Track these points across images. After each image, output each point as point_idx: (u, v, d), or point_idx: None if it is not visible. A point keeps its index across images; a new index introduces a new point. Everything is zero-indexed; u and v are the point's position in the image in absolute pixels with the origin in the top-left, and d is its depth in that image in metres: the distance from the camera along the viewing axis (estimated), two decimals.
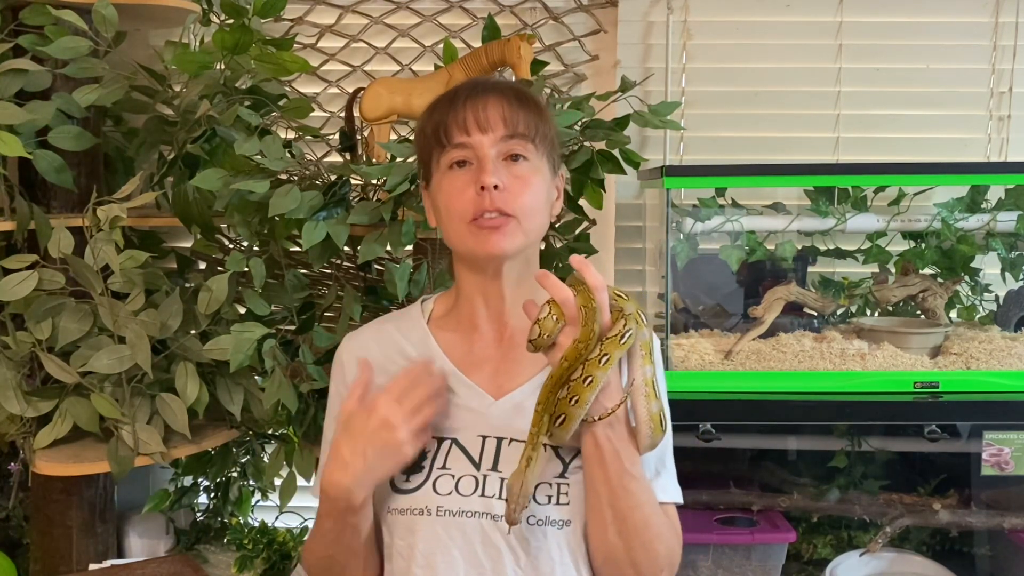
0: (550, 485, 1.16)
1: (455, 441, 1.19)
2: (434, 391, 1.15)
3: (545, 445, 1.11)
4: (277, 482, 1.95)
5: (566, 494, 1.15)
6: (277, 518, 2.16)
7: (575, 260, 1.11)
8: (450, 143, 1.17)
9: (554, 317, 1.08)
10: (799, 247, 1.98)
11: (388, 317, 1.34)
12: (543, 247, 1.81)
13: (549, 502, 1.15)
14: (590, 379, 1.06)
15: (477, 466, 1.17)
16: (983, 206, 1.95)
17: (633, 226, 2.28)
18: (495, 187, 1.13)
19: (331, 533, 1.17)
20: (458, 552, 1.14)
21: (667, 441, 1.26)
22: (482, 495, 1.15)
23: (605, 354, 1.06)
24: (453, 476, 1.16)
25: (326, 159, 2.11)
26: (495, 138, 1.16)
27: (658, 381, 1.16)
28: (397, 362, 1.25)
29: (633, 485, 1.11)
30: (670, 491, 1.23)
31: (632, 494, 1.11)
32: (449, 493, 1.16)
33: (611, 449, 1.10)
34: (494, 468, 1.16)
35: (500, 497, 1.14)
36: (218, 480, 2.10)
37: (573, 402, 1.07)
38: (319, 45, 2.26)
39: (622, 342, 1.07)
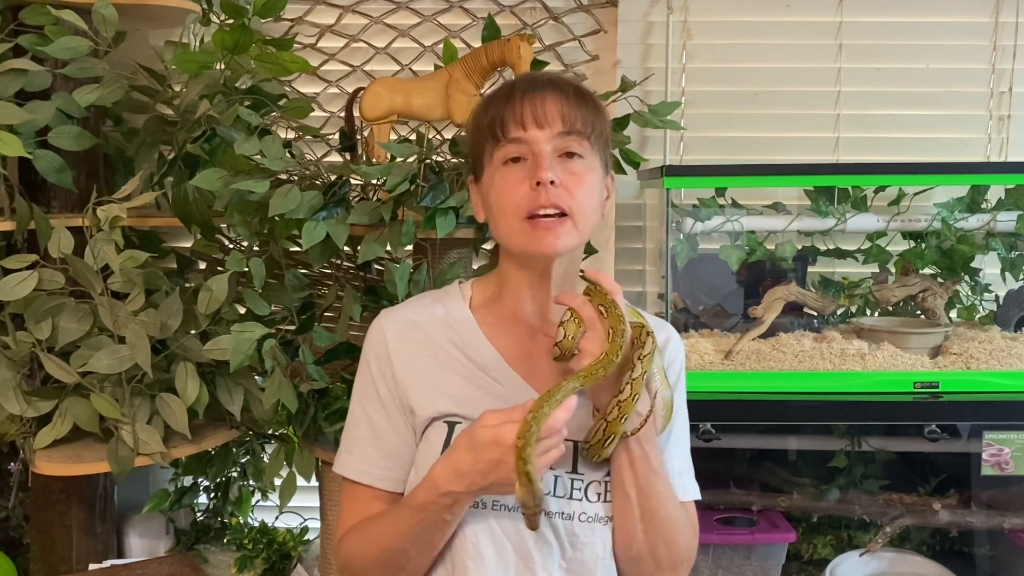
0: (599, 483, 1.17)
1: None
2: (562, 437, 1.08)
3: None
4: (277, 482, 1.95)
5: (611, 491, 1.17)
6: (277, 518, 2.16)
7: (589, 272, 1.13)
8: (505, 137, 1.15)
9: (576, 320, 1.11)
10: (799, 247, 1.98)
11: (429, 296, 1.29)
12: None
13: (599, 499, 1.16)
14: (637, 396, 1.10)
15: None
16: (983, 206, 1.95)
17: (633, 226, 2.28)
18: (551, 183, 1.12)
19: (419, 526, 1.11)
20: (510, 546, 1.14)
21: (686, 439, 1.29)
22: None
23: (644, 370, 1.10)
24: None
25: (326, 159, 2.11)
26: (552, 134, 1.14)
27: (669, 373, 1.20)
28: (443, 346, 1.21)
29: (659, 484, 1.14)
30: (692, 489, 1.27)
31: (659, 492, 1.14)
32: None
33: (640, 452, 1.12)
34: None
35: (555, 494, 1.15)
36: (218, 480, 2.10)
37: (623, 420, 1.10)
38: (319, 45, 2.26)
39: (652, 356, 1.12)
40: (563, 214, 1.13)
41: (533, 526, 1.07)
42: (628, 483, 1.13)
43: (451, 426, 1.17)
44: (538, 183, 1.12)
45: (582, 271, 1.23)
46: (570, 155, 1.16)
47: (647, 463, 1.13)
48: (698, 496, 1.27)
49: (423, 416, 1.19)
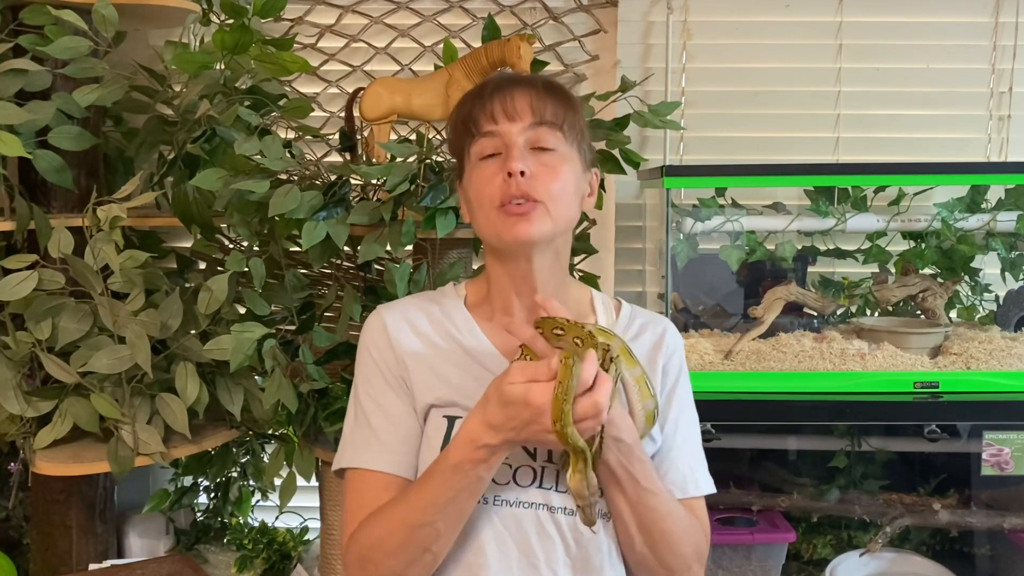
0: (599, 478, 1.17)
1: None
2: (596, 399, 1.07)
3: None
4: (277, 482, 1.95)
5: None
6: (277, 518, 2.16)
7: (538, 298, 1.11)
8: (478, 132, 1.17)
9: (527, 358, 1.09)
10: (799, 247, 1.98)
11: (425, 296, 1.30)
12: None
13: (600, 495, 1.16)
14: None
15: (533, 456, 1.16)
16: (983, 206, 1.95)
17: (633, 226, 2.28)
18: (522, 173, 1.13)
19: (452, 490, 1.08)
20: (513, 542, 1.14)
21: (696, 433, 1.28)
22: (540, 486, 1.15)
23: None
24: (511, 466, 1.15)
25: (326, 159, 2.11)
26: (523, 126, 1.16)
27: (650, 378, 1.16)
28: (442, 338, 1.22)
29: (652, 500, 1.13)
30: (705, 483, 1.25)
31: (652, 509, 1.13)
32: (507, 483, 1.15)
33: (625, 473, 1.11)
34: (550, 459, 1.16)
35: (558, 489, 1.15)
36: (218, 480, 2.10)
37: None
38: (319, 45, 2.26)
39: (615, 391, 1.08)
40: (535, 201, 1.14)
41: (589, 521, 1.05)
42: (620, 503, 1.13)
43: (451, 421, 1.17)
44: (509, 174, 1.13)
45: (582, 270, 1.22)
46: (543, 148, 1.17)
47: (635, 483, 1.11)
48: (711, 490, 1.25)
49: (422, 402, 1.19)
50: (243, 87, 1.83)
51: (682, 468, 1.23)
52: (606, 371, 1.05)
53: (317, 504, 1.95)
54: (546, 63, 1.95)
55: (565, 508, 1.15)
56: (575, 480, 1.04)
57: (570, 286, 1.28)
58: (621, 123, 1.81)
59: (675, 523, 1.16)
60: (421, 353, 1.21)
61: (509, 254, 1.19)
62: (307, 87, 2.27)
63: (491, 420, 1.05)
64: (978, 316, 2.07)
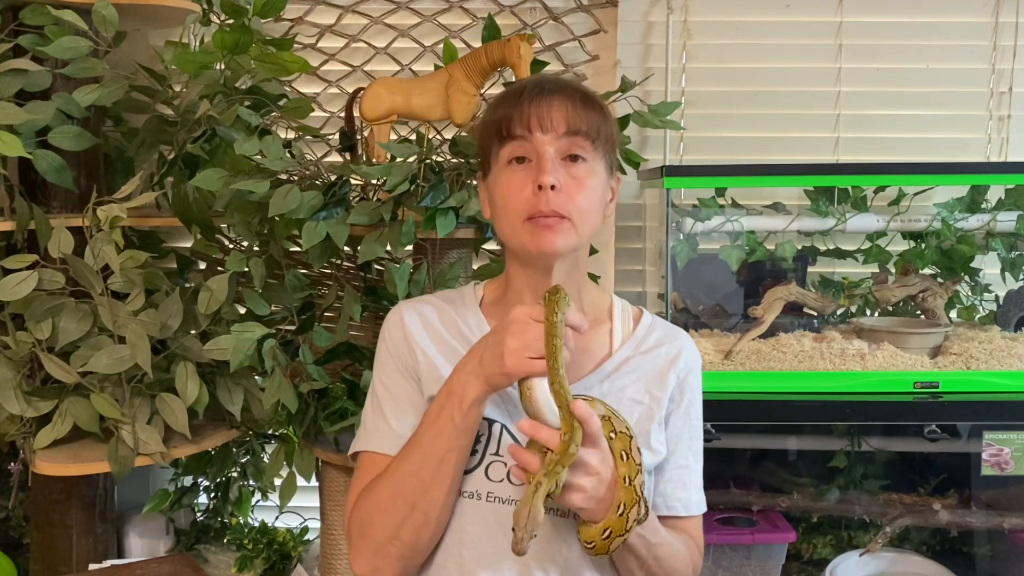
0: None
1: (505, 427, 1.19)
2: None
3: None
4: (277, 482, 1.95)
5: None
6: (277, 518, 2.16)
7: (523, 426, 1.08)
8: (509, 136, 1.18)
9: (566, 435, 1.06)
10: (799, 247, 1.98)
11: (442, 296, 1.33)
12: None
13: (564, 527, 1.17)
14: (621, 507, 1.08)
15: None
16: (983, 206, 1.95)
17: (633, 226, 2.28)
18: (552, 187, 1.14)
19: (434, 439, 1.12)
20: (506, 538, 1.13)
21: (699, 452, 1.29)
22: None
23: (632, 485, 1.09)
24: (505, 464, 1.16)
25: (326, 159, 2.11)
26: (556, 136, 1.17)
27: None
28: (453, 335, 1.25)
29: (660, 551, 1.15)
30: (704, 504, 1.27)
31: (660, 559, 1.16)
32: (501, 480, 1.16)
33: (641, 540, 1.13)
34: None
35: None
36: (218, 480, 2.10)
37: (606, 535, 1.09)
38: (319, 45, 2.26)
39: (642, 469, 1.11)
40: (562, 217, 1.16)
41: (517, 550, 1.03)
42: (631, 562, 1.15)
43: None
44: (540, 187, 1.14)
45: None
46: (573, 158, 1.18)
47: (645, 542, 1.13)
48: (704, 508, 1.28)
49: (427, 394, 1.22)
50: (243, 87, 1.83)
51: (691, 488, 1.26)
52: (627, 452, 1.09)
53: (317, 504, 1.95)
54: (546, 63, 1.95)
55: (557, 510, 1.16)
56: (520, 503, 1.02)
57: (589, 292, 1.30)
58: (621, 123, 1.81)
59: (676, 560, 1.18)
60: (431, 347, 1.24)
61: (529, 261, 1.21)
62: (307, 87, 2.27)
63: (476, 352, 1.12)
64: (978, 316, 2.07)
